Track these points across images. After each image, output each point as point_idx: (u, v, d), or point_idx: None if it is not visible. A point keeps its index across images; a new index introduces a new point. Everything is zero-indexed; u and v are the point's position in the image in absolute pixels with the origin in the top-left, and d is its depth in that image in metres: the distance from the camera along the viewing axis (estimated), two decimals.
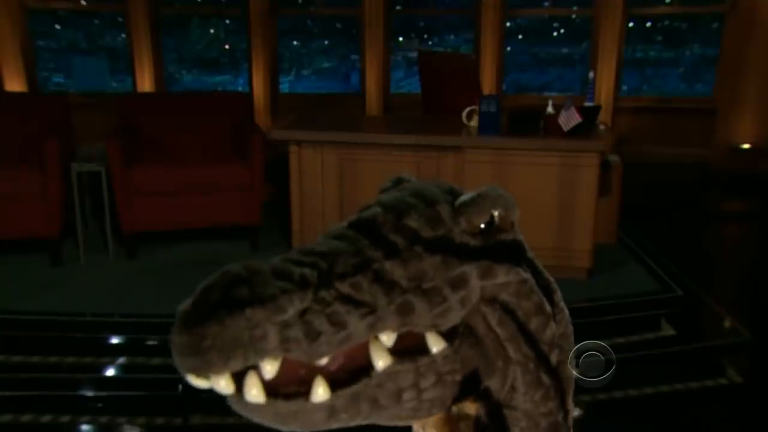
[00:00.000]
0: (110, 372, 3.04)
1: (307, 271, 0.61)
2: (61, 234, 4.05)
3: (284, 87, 7.86)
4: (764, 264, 4.45)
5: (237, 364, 0.57)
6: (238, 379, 0.61)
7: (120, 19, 7.30)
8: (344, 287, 0.62)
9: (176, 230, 4.28)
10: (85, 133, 4.84)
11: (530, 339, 0.71)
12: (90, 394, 2.88)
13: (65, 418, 2.65)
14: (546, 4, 8.32)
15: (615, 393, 2.73)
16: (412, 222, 0.69)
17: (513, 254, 0.73)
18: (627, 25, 6.93)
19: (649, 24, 8.11)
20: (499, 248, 0.72)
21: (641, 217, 4.90)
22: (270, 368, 0.60)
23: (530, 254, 0.76)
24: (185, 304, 0.59)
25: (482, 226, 0.71)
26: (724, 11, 6.73)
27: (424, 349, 0.68)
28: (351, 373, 0.65)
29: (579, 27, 8.12)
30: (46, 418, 2.64)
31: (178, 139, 4.58)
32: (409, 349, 0.67)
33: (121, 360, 3.12)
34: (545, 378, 0.73)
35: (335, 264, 0.63)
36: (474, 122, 3.83)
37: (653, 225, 4.90)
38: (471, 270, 0.68)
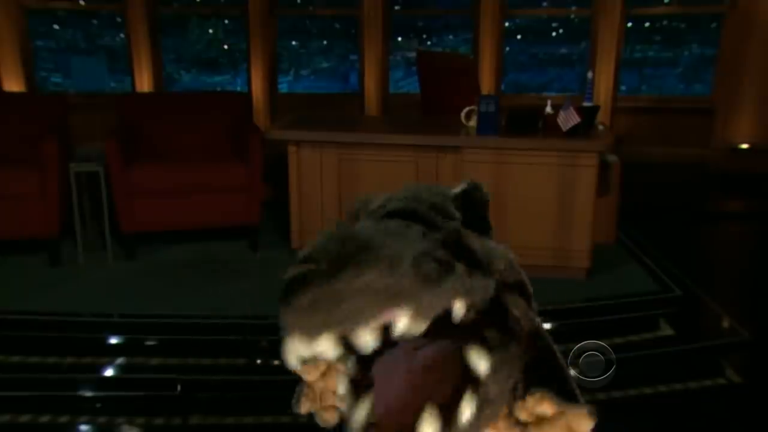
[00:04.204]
0: (109, 372, 3.03)
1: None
2: (60, 234, 4.04)
3: (283, 87, 7.86)
4: (763, 264, 4.45)
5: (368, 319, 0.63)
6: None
7: (119, 19, 7.29)
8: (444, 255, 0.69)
9: (175, 230, 4.27)
10: (83, 133, 4.84)
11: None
12: (89, 394, 2.88)
13: (64, 418, 2.65)
14: (544, 4, 8.32)
15: (614, 393, 2.73)
16: (450, 208, 0.81)
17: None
18: (625, 25, 6.93)
19: (647, 24, 8.11)
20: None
21: (640, 217, 4.90)
22: (370, 339, 0.64)
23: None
24: (305, 265, 0.63)
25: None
26: (723, 11, 6.73)
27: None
28: (447, 398, 0.69)
29: (578, 27, 8.11)
30: (44, 418, 2.64)
31: (177, 139, 4.57)
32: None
33: (120, 360, 3.12)
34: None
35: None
36: (473, 122, 3.82)
37: (652, 225, 4.90)
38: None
